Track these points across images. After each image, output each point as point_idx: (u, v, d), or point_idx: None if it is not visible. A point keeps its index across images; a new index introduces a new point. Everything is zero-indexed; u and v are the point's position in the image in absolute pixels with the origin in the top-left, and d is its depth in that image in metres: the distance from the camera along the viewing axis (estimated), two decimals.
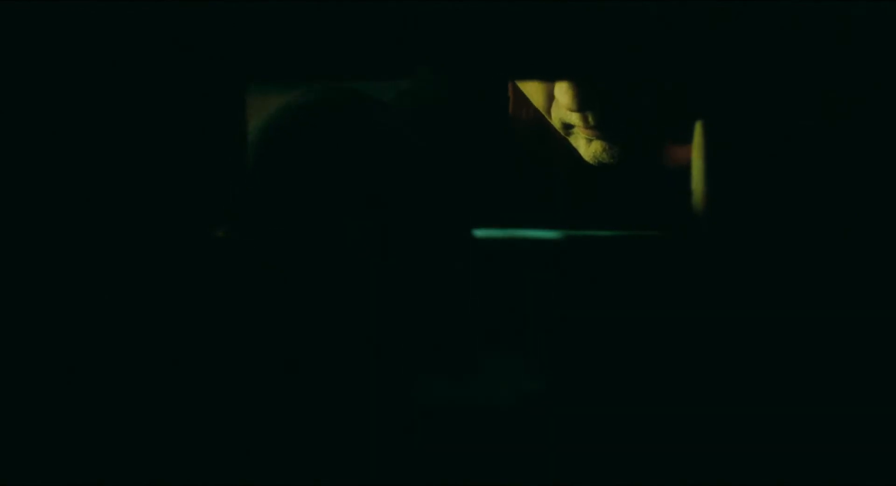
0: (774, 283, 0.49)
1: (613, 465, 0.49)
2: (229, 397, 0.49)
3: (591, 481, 0.49)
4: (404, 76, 0.50)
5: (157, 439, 0.48)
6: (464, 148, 0.87)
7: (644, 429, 0.49)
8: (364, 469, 0.49)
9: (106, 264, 0.48)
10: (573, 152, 0.78)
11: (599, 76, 0.56)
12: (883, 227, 0.49)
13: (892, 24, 0.48)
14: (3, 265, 0.48)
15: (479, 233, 0.50)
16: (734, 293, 0.49)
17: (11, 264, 0.48)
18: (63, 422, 0.48)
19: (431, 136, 0.72)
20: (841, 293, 0.49)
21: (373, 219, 0.50)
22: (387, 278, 0.49)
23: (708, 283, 0.49)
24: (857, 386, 0.49)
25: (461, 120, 0.90)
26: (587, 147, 0.74)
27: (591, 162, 0.75)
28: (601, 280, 0.49)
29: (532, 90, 0.74)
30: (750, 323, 0.49)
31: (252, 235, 0.50)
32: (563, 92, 0.68)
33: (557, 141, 0.84)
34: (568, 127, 0.74)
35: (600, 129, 0.71)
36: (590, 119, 0.70)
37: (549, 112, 0.75)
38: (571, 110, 0.69)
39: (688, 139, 0.77)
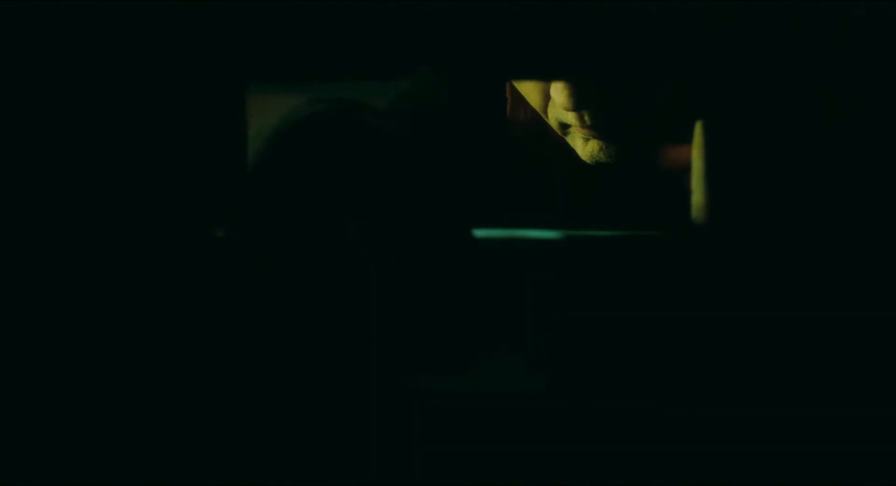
0: (774, 283, 0.49)
1: (613, 465, 0.49)
2: (229, 396, 0.49)
3: (590, 481, 0.49)
4: (404, 76, 0.50)
5: (156, 438, 0.48)
6: (463, 149, 0.88)
7: (644, 429, 0.49)
8: (364, 469, 0.49)
9: (105, 263, 0.48)
10: (571, 152, 0.78)
11: (600, 76, 0.56)
12: (883, 227, 0.49)
13: (892, 24, 0.48)
14: (3, 265, 0.48)
15: (479, 233, 0.50)
16: (734, 293, 0.49)
17: (12, 263, 0.48)
18: (63, 422, 0.48)
19: (431, 137, 0.73)
20: (841, 293, 0.49)
21: (373, 220, 0.50)
22: (386, 277, 0.49)
23: (708, 283, 0.49)
24: (857, 386, 0.49)
25: (460, 121, 0.90)
26: (584, 147, 0.74)
27: (588, 161, 0.75)
28: (601, 280, 0.49)
29: (529, 90, 0.74)
30: (750, 323, 0.49)
31: (254, 235, 0.50)
32: (559, 91, 0.68)
33: (555, 141, 0.84)
34: (565, 127, 0.74)
35: (597, 128, 0.71)
36: (586, 118, 0.70)
37: (545, 112, 0.75)
38: (567, 110, 0.69)
39: (685, 139, 0.77)
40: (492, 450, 0.49)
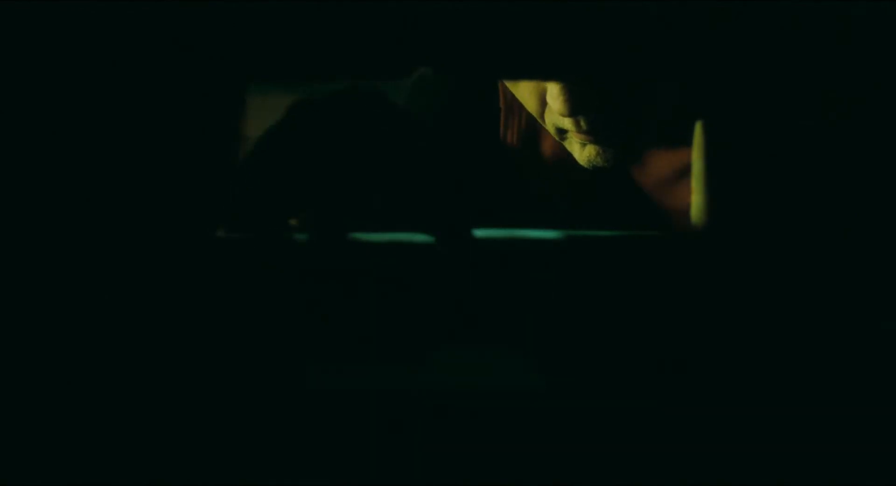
0: (774, 283, 0.49)
1: (613, 465, 0.49)
2: (228, 396, 0.49)
3: (590, 481, 0.49)
4: (404, 76, 0.50)
5: (155, 439, 0.48)
6: (463, 151, 0.88)
7: (643, 429, 0.49)
8: (364, 469, 0.49)
9: (104, 263, 0.48)
10: (569, 157, 0.78)
11: (599, 76, 0.56)
12: (883, 227, 0.49)
13: (892, 24, 0.48)
14: (3, 266, 0.48)
15: (479, 233, 0.50)
16: (734, 293, 0.49)
17: (10, 264, 0.48)
18: (64, 422, 0.48)
19: (435, 140, 0.72)
20: (841, 293, 0.49)
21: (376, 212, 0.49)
22: (386, 275, 0.49)
23: (708, 283, 0.49)
24: (858, 386, 0.49)
25: (457, 124, 0.91)
26: (581, 151, 0.74)
27: (586, 166, 0.75)
28: (601, 280, 0.49)
29: (525, 95, 0.74)
30: (750, 323, 0.49)
31: (256, 230, 0.49)
32: (554, 97, 0.68)
33: (551, 147, 0.84)
34: (562, 132, 0.74)
35: (593, 133, 0.71)
36: (582, 124, 0.70)
37: (542, 118, 0.75)
38: (564, 115, 0.69)
39: (680, 142, 0.77)
40: (491, 450, 0.49)
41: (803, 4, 0.48)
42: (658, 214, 0.83)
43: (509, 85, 0.76)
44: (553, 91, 0.68)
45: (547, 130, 0.84)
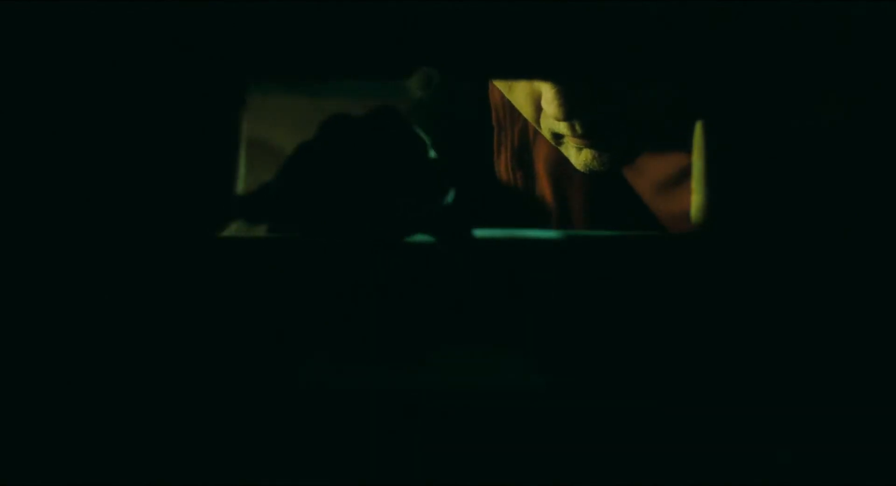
0: (774, 283, 0.49)
1: (613, 465, 0.49)
2: (228, 397, 0.49)
3: (590, 481, 0.49)
4: (404, 76, 0.50)
5: (155, 439, 0.48)
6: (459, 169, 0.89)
7: (643, 429, 0.49)
8: (364, 469, 0.49)
9: (104, 263, 0.48)
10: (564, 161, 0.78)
11: (600, 76, 0.56)
12: (883, 227, 0.49)
13: (892, 24, 0.48)
14: (2, 267, 0.48)
15: (479, 233, 0.50)
16: (733, 294, 0.49)
17: (11, 265, 0.48)
18: (64, 423, 0.48)
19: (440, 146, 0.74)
20: (842, 293, 0.49)
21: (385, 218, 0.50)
22: (388, 276, 0.49)
23: (707, 283, 0.49)
24: (859, 386, 0.49)
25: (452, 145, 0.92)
26: (578, 156, 0.74)
27: (582, 170, 0.75)
28: (600, 280, 0.49)
29: (521, 101, 0.74)
30: (750, 323, 0.49)
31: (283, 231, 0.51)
32: (549, 102, 0.68)
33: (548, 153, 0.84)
34: (558, 137, 0.74)
35: (588, 137, 0.71)
36: (577, 128, 0.70)
37: (538, 123, 0.75)
38: (559, 120, 0.69)
39: (676, 146, 0.77)
40: (491, 450, 0.49)
41: (803, 4, 0.48)
42: (656, 221, 0.83)
43: (504, 91, 0.76)
44: (548, 95, 0.68)
45: (540, 145, 0.85)
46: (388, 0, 0.48)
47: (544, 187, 0.86)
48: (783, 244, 0.49)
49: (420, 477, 0.48)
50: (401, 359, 0.49)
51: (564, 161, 0.84)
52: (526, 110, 0.75)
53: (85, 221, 0.48)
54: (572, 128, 0.70)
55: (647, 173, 0.81)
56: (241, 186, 0.53)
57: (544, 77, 0.66)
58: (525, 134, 0.87)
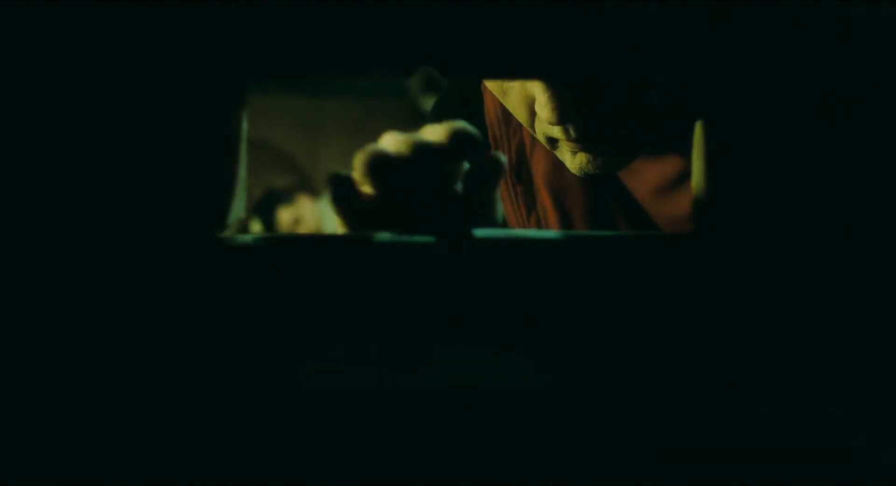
0: (775, 283, 0.49)
1: (613, 465, 0.49)
2: (228, 397, 0.49)
3: (590, 481, 0.49)
4: (404, 76, 0.50)
5: (154, 440, 0.48)
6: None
7: (643, 429, 0.49)
8: (364, 469, 0.49)
9: (104, 264, 0.48)
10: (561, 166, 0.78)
11: (599, 77, 0.56)
12: (883, 227, 0.49)
13: (893, 24, 0.48)
14: (3, 268, 0.48)
15: (479, 233, 0.50)
16: (735, 293, 0.49)
17: (11, 266, 0.48)
18: (64, 423, 0.48)
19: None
20: (842, 293, 0.49)
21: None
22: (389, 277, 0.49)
23: (708, 283, 0.49)
24: (859, 387, 0.49)
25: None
26: (572, 160, 0.74)
27: (577, 174, 0.75)
28: (600, 280, 0.49)
29: (515, 106, 0.74)
30: (750, 324, 0.49)
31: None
32: (542, 106, 0.68)
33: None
34: (553, 141, 0.74)
35: (583, 141, 0.71)
36: (571, 132, 0.70)
37: (532, 128, 0.75)
38: (552, 124, 0.69)
39: (673, 149, 0.77)
40: (491, 450, 0.49)
41: (803, 4, 0.48)
42: (658, 231, 0.83)
43: (499, 96, 0.76)
44: (541, 99, 0.68)
45: (538, 160, 0.85)
46: (388, 0, 0.48)
47: (545, 201, 0.86)
48: (784, 244, 0.49)
49: (420, 477, 0.49)
50: (401, 359, 0.49)
51: (563, 175, 0.84)
52: (520, 115, 0.75)
53: (84, 221, 0.48)
54: (566, 132, 0.70)
55: (646, 178, 0.81)
56: (241, 187, 0.53)
57: (544, 77, 0.66)
58: (522, 150, 0.87)
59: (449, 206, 0.60)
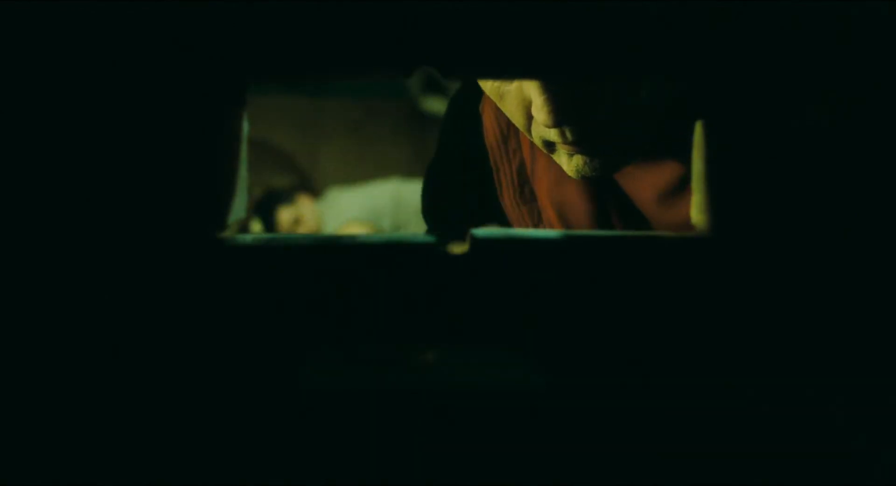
0: (776, 283, 0.49)
1: (613, 465, 0.49)
2: (228, 397, 0.49)
3: (590, 481, 0.49)
4: (404, 76, 0.50)
5: (154, 440, 0.48)
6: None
7: (643, 429, 0.49)
8: (364, 469, 0.49)
9: (103, 264, 0.48)
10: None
11: (599, 76, 0.56)
12: (883, 227, 0.49)
13: (893, 24, 0.48)
14: (3, 268, 0.48)
15: (479, 233, 0.50)
16: (735, 293, 0.49)
17: (11, 266, 0.48)
18: (64, 424, 0.48)
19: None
20: (842, 293, 0.49)
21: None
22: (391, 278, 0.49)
23: (709, 283, 0.49)
24: (860, 386, 0.49)
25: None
26: (569, 162, 0.74)
27: (575, 177, 0.75)
28: (600, 280, 0.49)
29: (512, 110, 0.74)
30: (750, 324, 0.49)
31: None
32: (538, 108, 0.68)
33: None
34: (550, 145, 0.74)
35: (579, 143, 0.71)
36: (567, 134, 0.70)
37: (529, 131, 0.75)
38: (548, 126, 0.69)
39: (674, 151, 0.77)
40: (491, 450, 0.49)
41: (803, 4, 0.48)
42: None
43: (496, 100, 0.76)
44: (537, 102, 0.68)
45: (540, 179, 0.86)
46: (388, 0, 0.48)
47: (550, 217, 0.87)
48: (783, 244, 0.49)
49: (420, 477, 0.49)
50: (401, 359, 0.49)
51: (565, 189, 0.85)
52: (517, 119, 0.75)
53: (84, 221, 0.48)
54: (563, 134, 0.70)
55: (648, 185, 0.81)
56: (241, 187, 0.53)
57: (544, 77, 0.66)
58: (523, 170, 0.88)
59: None
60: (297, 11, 0.48)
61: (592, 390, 0.49)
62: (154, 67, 0.48)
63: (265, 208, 3.37)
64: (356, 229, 3.22)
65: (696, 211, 0.51)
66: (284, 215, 3.35)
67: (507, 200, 0.90)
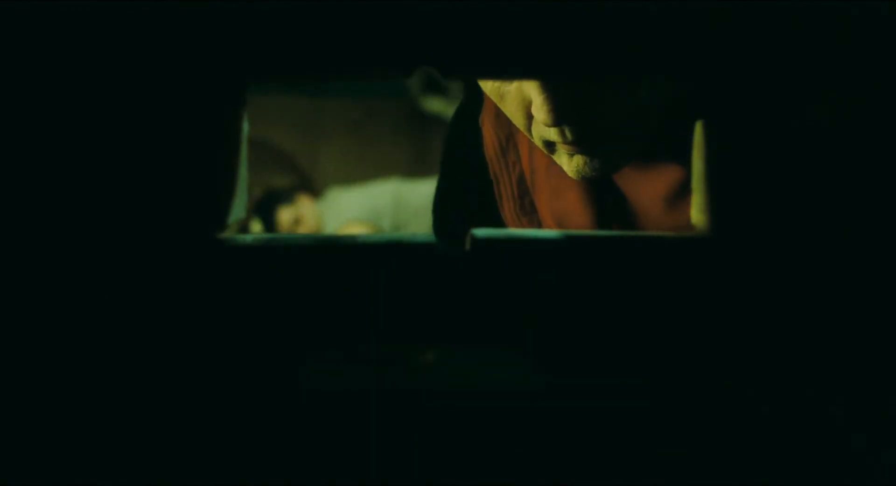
0: (775, 282, 0.49)
1: (613, 465, 0.49)
2: (228, 397, 0.49)
3: (590, 481, 0.49)
4: (404, 76, 0.50)
5: (154, 441, 0.48)
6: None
7: (643, 429, 0.49)
8: (364, 469, 0.49)
9: (103, 264, 0.48)
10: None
11: (599, 76, 0.56)
12: (883, 227, 0.49)
13: (893, 24, 0.48)
14: (3, 269, 0.48)
15: (479, 233, 0.50)
16: (736, 293, 0.49)
17: (12, 267, 0.48)
18: (64, 424, 0.48)
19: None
20: (842, 294, 0.49)
21: None
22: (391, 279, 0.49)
23: (709, 283, 0.49)
24: (860, 387, 0.49)
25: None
26: (570, 162, 0.74)
27: (575, 177, 0.75)
28: (601, 280, 0.49)
29: (512, 110, 0.74)
30: (750, 323, 0.49)
31: None
32: (538, 108, 0.68)
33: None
34: (550, 145, 0.74)
35: (579, 143, 0.71)
36: (567, 134, 0.70)
37: (529, 131, 0.75)
38: (548, 126, 0.69)
39: (674, 153, 0.77)
40: (491, 450, 0.49)
41: (803, 4, 0.48)
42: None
43: (496, 100, 0.76)
44: (537, 101, 0.68)
45: (540, 190, 0.86)
46: (388, 0, 0.48)
47: (551, 228, 0.87)
48: (783, 244, 0.49)
49: (420, 477, 0.49)
50: (401, 359, 0.49)
51: (564, 199, 0.85)
52: (517, 119, 0.75)
53: (84, 221, 0.48)
54: (563, 134, 0.70)
55: (648, 190, 0.81)
56: (241, 187, 0.53)
57: (544, 77, 0.66)
58: (522, 182, 0.88)
59: None
60: (296, 12, 0.48)
61: (592, 390, 0.49)
62: (154, 68, 0.48)
63: (265, 208, 3.37)
64: (356, 229, 3.22)
65: (696, 211, 0.51)
66: (284, 215, 3.35)
67: (508, 212, 0.90)
